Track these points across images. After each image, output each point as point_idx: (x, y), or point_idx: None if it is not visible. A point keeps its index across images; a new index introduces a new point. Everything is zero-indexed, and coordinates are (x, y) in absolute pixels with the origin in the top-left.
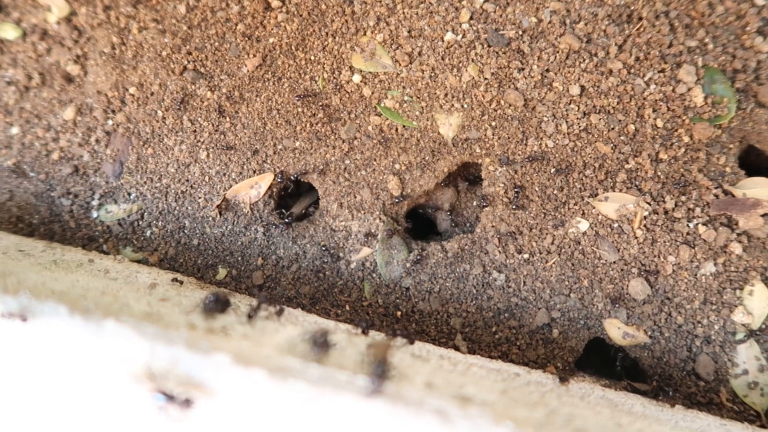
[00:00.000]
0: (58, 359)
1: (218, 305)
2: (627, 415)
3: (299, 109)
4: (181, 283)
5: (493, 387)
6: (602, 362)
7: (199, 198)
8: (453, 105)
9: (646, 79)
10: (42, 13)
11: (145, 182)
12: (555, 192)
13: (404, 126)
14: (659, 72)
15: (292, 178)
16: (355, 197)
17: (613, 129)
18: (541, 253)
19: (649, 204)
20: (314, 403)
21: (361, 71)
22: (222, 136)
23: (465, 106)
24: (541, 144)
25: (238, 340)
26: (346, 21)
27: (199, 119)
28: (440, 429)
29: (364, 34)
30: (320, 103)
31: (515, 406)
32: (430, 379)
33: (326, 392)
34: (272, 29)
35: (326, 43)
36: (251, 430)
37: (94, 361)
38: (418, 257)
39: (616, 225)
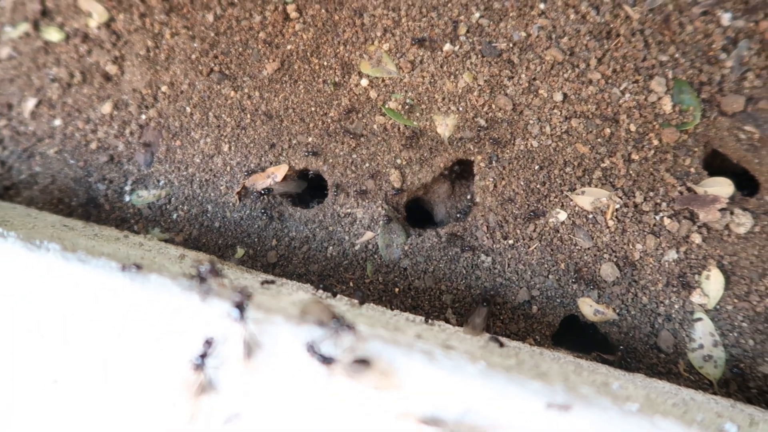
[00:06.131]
0: (115, 308)
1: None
2: (589, 371)
3: (313, 109)
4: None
5: (474, 343)
6: (576, 338)
7: (221, 186)
8: (449, 108)
9: (621, 88)
10: (83, 18)
11: (173, 171)
12: (538, 186)
13: (406, 125)
14: (633, 83)
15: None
16: (361, 187)
17: (591, 132)
18: (524, 240)
19: (620, 198)
20: None
21: (368, 76)
22: (243, 131)
23: (460, 108)
24: (527, 144)
25: (260, 295)
26: (357, 31)
27: (223, 115)
28: (427, 363)
29: (372, 43)
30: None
31: (491, 356)
32: (419, 332)
33: None
34: (290, 37)
35: (338, 50)
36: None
37: (144, 309)
38: (415, 241)
39: (591, 216)
